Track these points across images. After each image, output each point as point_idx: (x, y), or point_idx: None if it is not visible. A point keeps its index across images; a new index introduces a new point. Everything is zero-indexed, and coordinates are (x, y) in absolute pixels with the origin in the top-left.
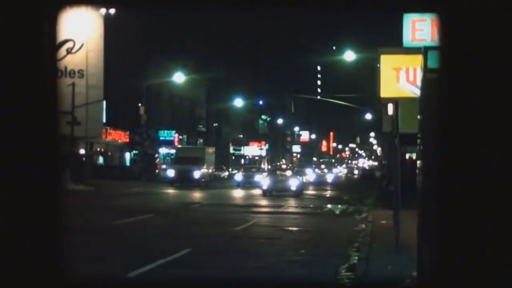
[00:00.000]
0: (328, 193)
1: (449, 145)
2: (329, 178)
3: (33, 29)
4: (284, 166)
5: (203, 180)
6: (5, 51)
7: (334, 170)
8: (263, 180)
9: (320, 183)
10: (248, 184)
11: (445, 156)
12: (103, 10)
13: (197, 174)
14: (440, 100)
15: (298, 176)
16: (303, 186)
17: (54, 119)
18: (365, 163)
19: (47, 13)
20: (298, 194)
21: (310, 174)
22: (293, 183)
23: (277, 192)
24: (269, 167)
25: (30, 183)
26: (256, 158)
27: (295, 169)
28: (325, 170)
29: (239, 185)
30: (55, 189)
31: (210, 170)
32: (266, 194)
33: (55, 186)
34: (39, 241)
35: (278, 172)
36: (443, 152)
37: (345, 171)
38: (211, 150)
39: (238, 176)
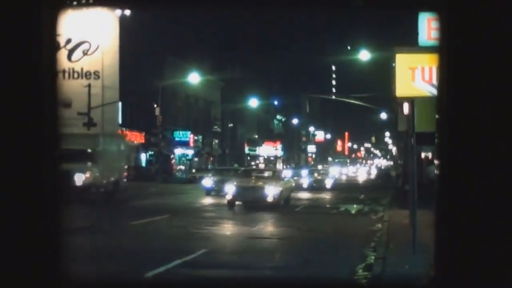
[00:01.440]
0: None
1: (450, 143)
2: (328, 183)
3: (33, 29)
4: (262, 166)
5: (93, 191)
6: (4, 51)
7: (343, 171)
8: (228, 187)
9: (314, 189)
10: (221, 191)
11: (448, 154)
12: (118, 11)
13: (79, 179)
14: (441, 100)
15: (282, 180)
16: (288, 195)
17: (54, 120)
18: (379, 163)
19: (47, 13)
20: (278, 205)
21: (304, 177)
22: (270, 191)
23: (251, 203)
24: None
25: (29, 183)
26: (272, 158)
27: (279, 169)
28: (322, 172)
29: (208, 193)
30: (55, 189)
31: (114, 172)
32: (232, 206)
33: (55, 186)
34: (39, 242)
35: (253, 175)
36: (445, 151)
37: (364, 170)
38: (116, 138)
39: (207, 181)
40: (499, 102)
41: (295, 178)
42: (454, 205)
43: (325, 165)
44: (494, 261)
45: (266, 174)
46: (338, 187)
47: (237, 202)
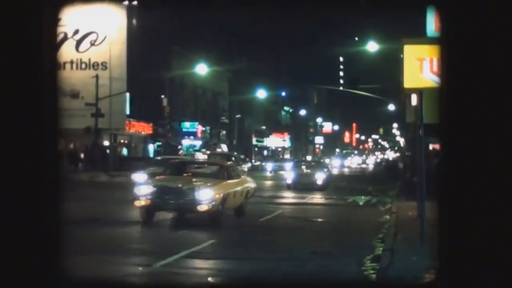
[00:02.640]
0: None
1: (451, 134)
2: (319, 178)
3: (33, 26)
4: (201, 157)
5: None
6: (5, 48)
7: (345, 163)
8: (141, 188)
9: (299, 187)
10: None
11: (450, 145)
12: (125, 3)
13: None
14: (442, 91)
15: (231, 179)
16: (240, 202)
17: (54, 114)
18: (386, 154)
19: (47, 12)
20: (218, 218)
21: (288, 174)
22: (205, 196)
23: (177, 213)
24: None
25: (29, 178)
26: (279, 149)
27: (232, 164)
28: (312, 165)
29: None
30: (55, 185)
31: None
32: (150, 216)
33: (55, 181)
34: (39, 238)
35: (188, 171)
36: (447, 141)
37: (370, 161)
38: None
39: (140, 176)
40: (499, 93)
41: (280, 172)
42: (455, 195)
43: (331, 157)
44: (496, 250)
45: (210, 169)
46: (333, 183)
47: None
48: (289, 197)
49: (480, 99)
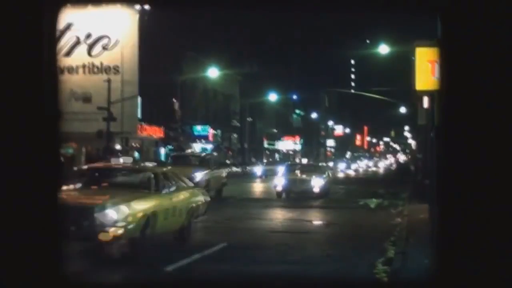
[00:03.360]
0: None
1: (447, 137)
2: (316, 185)
3: (33, 28)
4: (123, 161)
5: None
6: (5, 50)
7: (353, 166)
8: None
9: (294, 195)
10: None
11: (446, 148)
12: (137, 6)
13: None
14: (440, 96)
15: (167, 192)
16: (182, 223)
17: (54, 118)
18: (397, 156)
19: (47, 13)
20: (134, 245)
21: (278, 179)
22: (109, 217)
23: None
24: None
25: (29, 182)
26: (290, 152)
27: (165, 169)
28: (308, 169)
29: None
30: (54, 189)
31: None
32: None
33: (55, 186)
34: (38, 242)
35: (105, 182)
36: (443, 145)
37: (381, 164)
38: None
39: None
40: (496, 96)
41: (274, 177)
42: (452, 198)
43: (336, 160)
44: (494, 251)
45: (137, 178)
46: (334, 190)
47: None
48: (296, 200)
49: (478, 103)
